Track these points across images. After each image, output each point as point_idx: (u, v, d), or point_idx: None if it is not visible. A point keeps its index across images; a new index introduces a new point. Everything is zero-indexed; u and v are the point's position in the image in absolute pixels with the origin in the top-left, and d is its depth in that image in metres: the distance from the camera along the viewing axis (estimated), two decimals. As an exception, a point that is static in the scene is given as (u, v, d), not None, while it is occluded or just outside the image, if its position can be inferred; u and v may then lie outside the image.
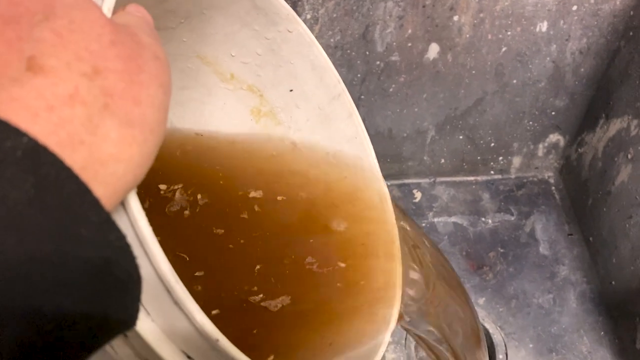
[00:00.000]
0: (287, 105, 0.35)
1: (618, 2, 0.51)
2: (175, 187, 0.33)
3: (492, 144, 0.63)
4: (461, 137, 0.62)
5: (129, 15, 0.21)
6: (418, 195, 0.64)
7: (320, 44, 0.33)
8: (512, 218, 0.63)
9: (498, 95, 0.58)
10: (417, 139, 0.61)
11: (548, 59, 0.55)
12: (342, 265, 0.33)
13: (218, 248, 0.32)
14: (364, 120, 0.34)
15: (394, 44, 0.52)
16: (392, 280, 0.31)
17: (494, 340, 0.54)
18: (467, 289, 0.57)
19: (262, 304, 0.30)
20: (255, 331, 0.29)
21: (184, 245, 0.31)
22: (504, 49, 0.54)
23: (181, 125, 0.36)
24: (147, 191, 0.32)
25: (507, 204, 0.64)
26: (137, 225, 0.18)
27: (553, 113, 0.60)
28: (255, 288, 0.31)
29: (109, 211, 0.16)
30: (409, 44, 0.52)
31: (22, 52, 0.15)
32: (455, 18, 0.51)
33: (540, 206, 0.64)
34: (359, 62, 0.53)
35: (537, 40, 0.53)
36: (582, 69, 0.56)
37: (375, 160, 0.34)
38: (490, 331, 0.55)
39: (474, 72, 0.55)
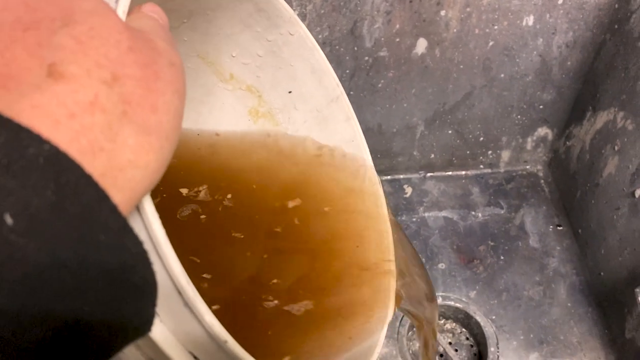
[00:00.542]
0: (285, 106, 0.35)
1: (603, -4, 0.51)
2: (200, 188, 0.33)
3: (481, 138, 0.63)
4: (450, 131, 0.62)
5: (144, 18, 0.21)
6: (408, 190, 0.65)
7: (309, 40, 0.33)
8: (502, 211, 0.63)
9: (486, 90, 0.58)
10: (407, 134, 0.61)
11: (535, 52, 0.55)
12: (338, 267, 0.33)
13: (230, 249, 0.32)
14: (352, 116, 0.35)
15: (382, 39, 0.52)
16: (386, 282, 0.31)
17: (485, 333, 0.55)
18: (459, 283, 0.58)
19: (285, 307, 0.31)
20: (269, 332, 0.30)
21: (196, 245, 0.31)
22: (491, 44, 0.54)
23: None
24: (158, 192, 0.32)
25: (496, 198, 0.64)
26: (150, 228, 0.19)
27: (541, 107, 0.61)
28: (268, 293, 0.31)
29: (126, 217, 0.16)
30: (397, 39, 0.52)
31: (42, 59, 0.15)
32: (443, 13, 0.51)
33: (529, 199, 0.64)
34: (347, 57, 0.53)
35: (523, 34, 0.54)
36: (569, 63, 0.56)
37: (372, 163, 0.34)
38: (482, 324, 0.55)
39: (461, 66, 0.56)
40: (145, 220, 0.19)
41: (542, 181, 0.66)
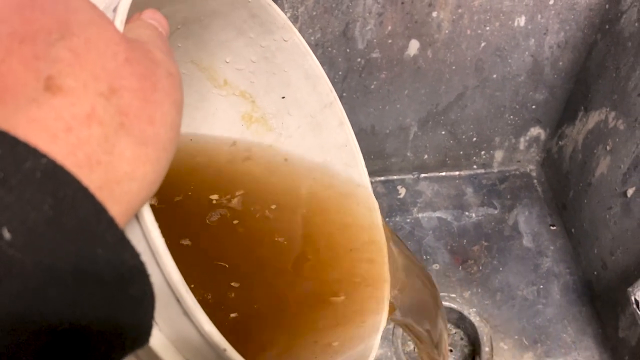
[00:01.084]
0: (278, 112, 0.36)
1: (594, -4, 0.52)
2: (235, 194, 0.33)
3: (474, 139, 0.63)
4: (443, 132, 0.62)
5: (143, 27, 0.21)
6: (402, 191, 0.65)
7: (301, 42, 0.33)
8: (496, 211, 0.63)
9: (479, 90, 0.58)
10: (400, 135, 0.61)
11: (527, 53, 0.55)
12: (332, 271, 0.33)
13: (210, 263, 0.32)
14: (345, 118, 0.35)
15: (375, 40, 0.52)
16: (380, 287, 0.31)
17: (479, 333, 0.55)
18: (453, 283, 0.58)
19: (278, 311, 0.31)
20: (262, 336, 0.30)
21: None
22: (483, 44, 0.54)
23: None
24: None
25: (490, 198, 0.64)
26: (150, 237, 0.19)
27: (533, 107, 0.61)
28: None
29: (123, 229, 0.16)
30: (389, 41, 0.52)
31: (39, 72, 0.15)
32: (434, 14, 0.51)
33: (522, 199, 0.64)
34: (340, 59, 0.53)
35: (515, 35, 0.54)
36: (561, 63, 0.57)
37: (365, 169, 0.34)
38: (476, 324, 0.55)
39: (454, 67, 0.56)
40: (145, 229, 0.19)
41: (535, 181, 0.66)
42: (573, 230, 0.60)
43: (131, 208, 0.17)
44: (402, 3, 0.50)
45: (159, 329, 0.20)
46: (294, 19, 0.49)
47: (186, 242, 0.32)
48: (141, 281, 0.16)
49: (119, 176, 0.16)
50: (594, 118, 0.55)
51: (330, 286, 0.33)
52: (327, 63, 0.53)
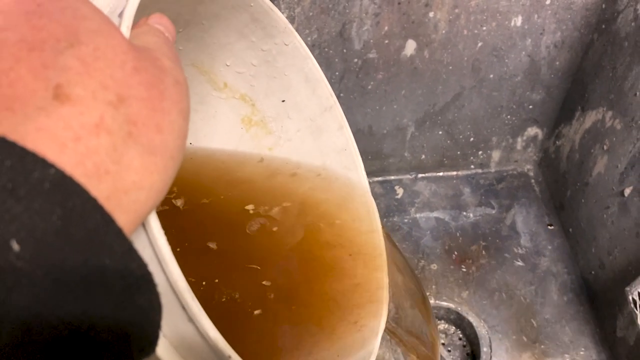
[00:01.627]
0: (278, 115, 0.36)
1: (590, -4, 0.52)
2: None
3: (472, 139, 0.63)
4: (441, 132, 0.62)
5: (150, 34, 0.21)
6: (400, 191, 0.65)
7: (298, 43, 0.33)
8: (493, 211, 0.63)
9: (475, 90, 0.58)
10: (397, 135, 0.61)
11: (523, 53, 0.55)
12: (330, 275, 0.33)
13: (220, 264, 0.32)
14: (342, 118, 0.35)
15: (371, 41, 0.52)
16: (379, 291, 0.31)
17: (478, 333, 0.55)
18: (451, 283, 0.58)
19: (275, 316, 0.31)
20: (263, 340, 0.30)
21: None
22: (480, 44, 0.54)
23: None
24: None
25: (487, 198, 0.64)
26: (156, 244, 0.19)
27: (530, 107, 0.61)
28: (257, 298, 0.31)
29: (131, 238, 0.16)
30: (386, 41, 0.52)
31: (48, 80, 0.15)
32: (431, 14, 0.51)
33: (520, 199, 0.64)
34: (336, 60, 0.53)
35: (512, 35, 0.54)
36: (557, 63, 0.57)
37: (364, 173, 0.34)
38: (474, 324, 0.55)
39: (451, 67, 0.56)
40: (151, 236, 0.19)
41: (532, 181, 0.66)
42: (571, 229, 0.60)
43: (138, 217, 0.17)
44: (399, 3, 0.50)
45: (163, 335, 0.21)
46: (291, 20, 0.49)
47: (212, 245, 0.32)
48: (148, 291, 0.16)
49: (127, 186, 0.16)
50: (591, 118, 0.55)
51: (329, 290, 0.33)
52: (324, 64, 0.52)
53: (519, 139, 0.64)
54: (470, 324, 0.55)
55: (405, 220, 0.62)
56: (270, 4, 0.31)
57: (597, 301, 0.56)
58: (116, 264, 0.15)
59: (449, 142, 0.63)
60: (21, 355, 0.13)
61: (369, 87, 0.56)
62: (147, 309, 0.16)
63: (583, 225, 0.57)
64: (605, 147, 0.53)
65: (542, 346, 0.54)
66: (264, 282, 0.32)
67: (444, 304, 0.56)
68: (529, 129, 0.63)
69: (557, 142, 0.62)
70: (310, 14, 0.49)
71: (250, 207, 0.34)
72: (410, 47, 0.53)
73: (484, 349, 0.54)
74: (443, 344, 0.56)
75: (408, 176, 0.66)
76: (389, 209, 0.63)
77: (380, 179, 0.65)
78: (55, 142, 0.15)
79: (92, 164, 0.15)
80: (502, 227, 0.62)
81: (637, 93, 0.48)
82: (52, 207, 0.14)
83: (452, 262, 0.59)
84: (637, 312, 0.48)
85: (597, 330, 0.55)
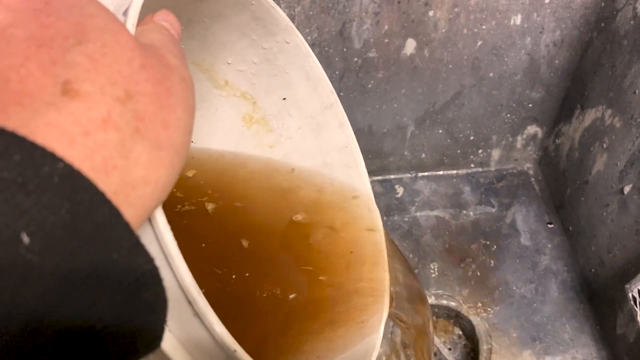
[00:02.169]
0: (279, 113, 0.36)
1: (589, -6, 0.52)
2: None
3: (472, 137, 0.64)
4: (441, 131, 0.62)
5: (155, 31, 0.21)
6: (400, 190, 0.65)
7: (298, 41, 0.33)
8: (493, 210, 0.64)
9: (475, 89, 0.58)
10: (398, 134, 0.61)
11: (523, 51, 0.56)
12: (331, 272, 0.33)
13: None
14: (343, 117, 0.35)
15: (371, 40, 0.52)
16: (379, 287, 0.32)
17: (478, 331, 0.55)
18: (451, 281, 0.58)
19: (280, 310, 0.31)
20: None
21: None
22: (479, 43, 0.54)
23: None
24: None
25: (487, 196, 0.64)
26: (162, 239, 0.19)
27: (530, 105, 0.61)
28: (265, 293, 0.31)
29: (138, 233, 0.16)
30: (386, 40, 0.52)
31: (56, 76, 0.16)
32: (431, 13, 0.51)
33: (520, 197, 0.65)
34: (337, 59, 0.53)
35: (511, 34, 0.54)
36: (557, 61, 0.57)
37: (365, 171, 0.34)
38: (475, 322, 0.55)
39: (450, 66, 0.56)
40: (157, 231, 0.19)
41: (532, 179, 0.66)
42: (570, 228, 0.60)
43: (145, 212, 0.17)
44: (399, 2, 0.50)
45: (169, 330, 0.21)
46: (291, 18, 0.49)
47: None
48: (155, 286, 0.16)
49: (134, 180, 0.16)
50: (591, 116, 0.56)
51: (330, 288, 0.33)
52: (324, 63, 0.53)
53: (519, 138, 0.65)
54: (470, 322, 0.56)
55: (406, 219, 0.62)
56: (272, 2, 0.31)
57: (597, 299, 0.56)
58: (123, 258, 0.15)
59: (449, 140, 0.63)
60: (31, 347, 0.13)
61: (369, 86, 0.56)
62: (153, 303, 0.16)
63: (583, 223, 0.57)
64: (604, 145, 0.53)
65: (543, 344, 0.54)
66: (314, 277, 0.32)
67: (445, 302, 0.57)
68: (529, 128, 0.64)
69: (556, 141, 0.63)
70: (311, 13, 0.49)
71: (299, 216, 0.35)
72: (410, 46, 0.53)
73: (485, 347, 0.54)
74: (444, 342, 0.56)
75: (408, 175, 0.66)
76: (389, 207, 0.63)
77: (380, 177, 0.65)
78: (64, 137, 0.15)
79: (100, 159, 0.15)
80: (502, 226, 0.62)
81: (637, 91, 0.48)
82: (61, 201, 0.14)
83: (452, 261, 0.59)
84: (637, 310, 0.48)
85: (597, 327, 0.55)
